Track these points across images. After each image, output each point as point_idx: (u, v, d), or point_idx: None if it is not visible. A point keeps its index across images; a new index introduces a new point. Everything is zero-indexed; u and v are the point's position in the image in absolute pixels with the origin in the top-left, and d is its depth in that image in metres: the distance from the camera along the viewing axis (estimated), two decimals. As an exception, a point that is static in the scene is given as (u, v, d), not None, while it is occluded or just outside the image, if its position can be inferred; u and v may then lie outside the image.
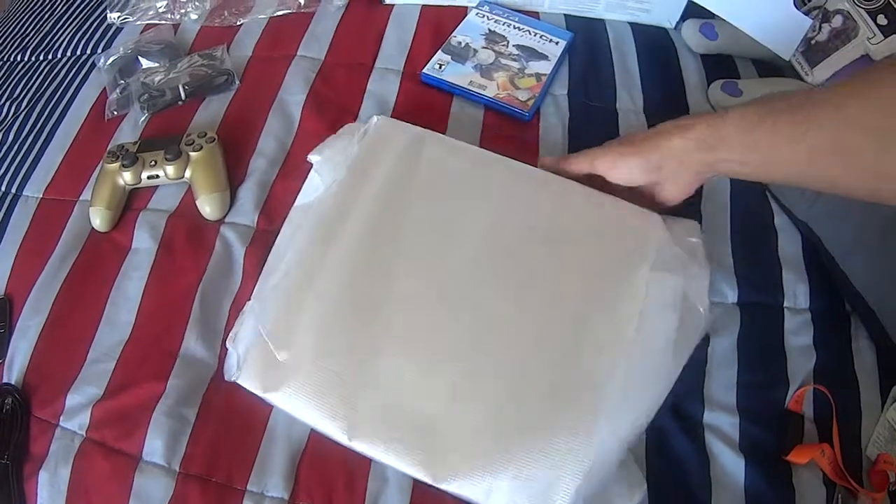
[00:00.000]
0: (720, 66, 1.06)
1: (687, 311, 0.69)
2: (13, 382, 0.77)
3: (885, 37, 0.93)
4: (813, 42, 1.00)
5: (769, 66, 1.07)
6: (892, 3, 0.94)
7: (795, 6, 0.95)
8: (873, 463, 0.72)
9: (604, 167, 0.78)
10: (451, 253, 0.73)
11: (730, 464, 0.70)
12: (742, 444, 0.71)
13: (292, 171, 0.90)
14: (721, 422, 0.72)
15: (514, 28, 1.07)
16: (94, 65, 1.08)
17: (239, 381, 0.68)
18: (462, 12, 1.10)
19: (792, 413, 0.74)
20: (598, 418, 0.63)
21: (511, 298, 0.70)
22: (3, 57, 1.20)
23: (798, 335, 0.79)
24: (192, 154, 0.87)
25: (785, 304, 0.81)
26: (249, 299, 0.73)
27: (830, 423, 0.73)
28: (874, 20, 0.94)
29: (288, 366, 0.66)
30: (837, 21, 0.98)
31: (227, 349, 0.73)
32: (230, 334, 0.71)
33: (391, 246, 0.73)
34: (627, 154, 0.76)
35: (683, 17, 1.10)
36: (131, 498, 0.68)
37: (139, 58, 1.04)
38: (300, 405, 0.65)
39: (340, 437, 0.64)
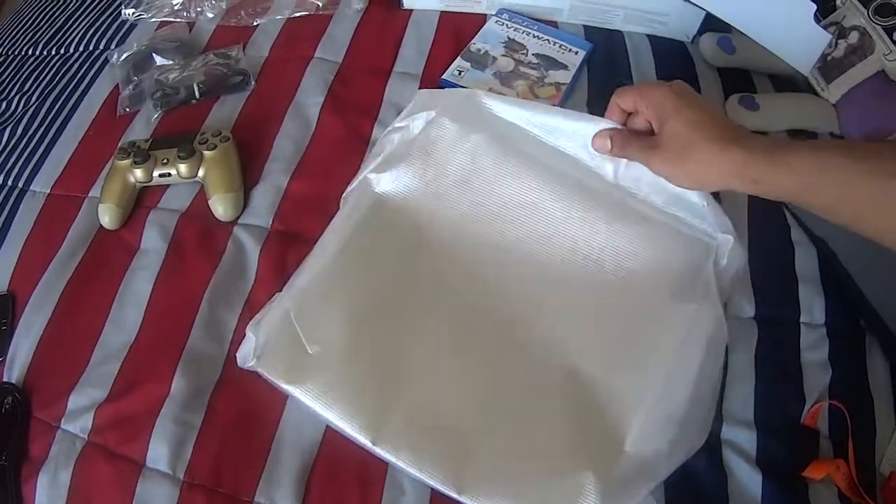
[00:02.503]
0: (737, 80, 1.05)
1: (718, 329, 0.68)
2: (14, 381, 0.75)
3: None
4: (829, 58, 1.00)
5: (785, 81, 1.06)
6: None
7: (815, 21, 0.93)
8: (887, 479, 0.71)
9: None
10: (494, 267, 0.73)
11: (747, 479, 0.69)
12: (759, 459, 0.70)
13: (309, 173, 0.88)
14: (739, 437, 0.72)
15: (534, 37, 1.06)
16: (106, 60, 1.07)
17: (258, 368, 0.66)
18: (481, 20, 1.09)
19: (808, 428, 0.73)
20: (623, 444, 0.62)
21: (550, 320, 0.70)
22: (15, 51, 1.18)
23: (814, 351, 0.78)
24: (206, 153, 0.85)
25: (801, 320, 0.80)
26: (270, 297, 0.71)
27: (845, 439, 0.72)
28: (890, 37, 0.93)
29: (316, 360, 0.65)
30: (853, 37, 0.97)
31: (235, 352, 0.71)
32: (253, 320, 0.69)
33: (433, 257, 0.73)
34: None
35: (701, 31, 1.09)
36: (134, 506, 0.66)
37: (154, 55, 1.03)
38: (325, 402, 0.63)
39: (364, 439, 0.62)
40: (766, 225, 0.87)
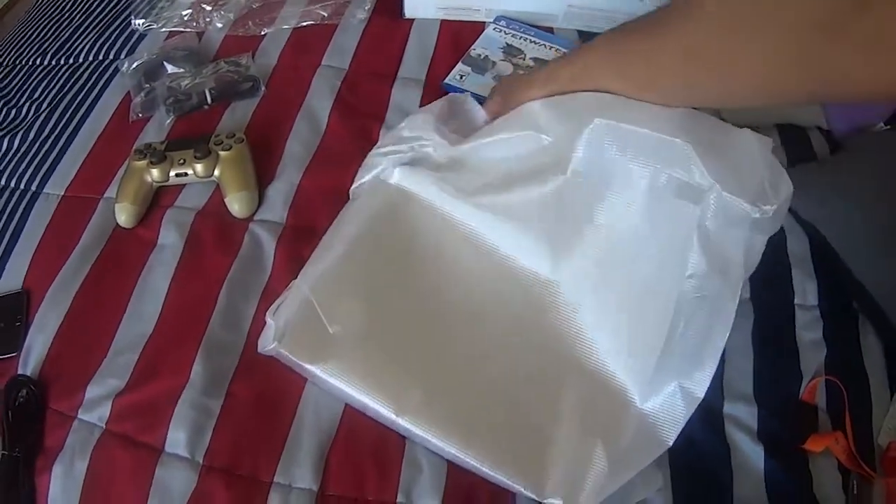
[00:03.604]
0: None
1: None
2: (28, 374, 0.77)
3: None
4: None
5: None
6: None
7: None
8: (885, 450, 0.74)
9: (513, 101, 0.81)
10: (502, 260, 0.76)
11: (749, 452, 0.72)
12: (760, 433, 0.73)
13: (321, 171, 0.92)
14: (740, 412, 0.74)
15: (531, 42, 1.11)
16: (116, 70, 1.10)
17: (281, 350, 0.68)
18: (480, 27, 1.13)
19: (806, 404, 0.76)
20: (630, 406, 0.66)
21: (562, 300, 0.73)
22: (22, 60, 1.21)
23: (808, 330, 0.81)
24: (222, 153, 0.88)
25: (795, 301, 0.83)
26: (286, 287, 0.74)
27: (843, 413, 0.75)
28: None
29: (337, 339, 0.68)
30: None
31: (253, 340, 0.74)
32: (271, 307, 0.71)
33: (446, 243, 0.77)
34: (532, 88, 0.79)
35: None
36: (152, 491, 0.67)
37: (165, 63, 1.06)
38: (348, 379, 0.66)
39: (387, 412, 0.65)
40: None
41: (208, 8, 1.14)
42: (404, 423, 0.65)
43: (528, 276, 0.75)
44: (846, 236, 0.87)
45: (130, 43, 1.15)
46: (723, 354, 0.75)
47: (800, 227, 0.89)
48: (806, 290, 0.84)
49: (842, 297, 0.84)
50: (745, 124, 1.02)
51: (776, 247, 0.87)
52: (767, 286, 0.84)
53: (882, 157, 0.95)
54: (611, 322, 0.71)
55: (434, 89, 1.02)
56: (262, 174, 0.91)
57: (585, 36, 1.14)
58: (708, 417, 0.72)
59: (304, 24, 1.12)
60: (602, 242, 0.71)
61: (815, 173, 0.96)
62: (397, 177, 0.80)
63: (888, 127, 1.01)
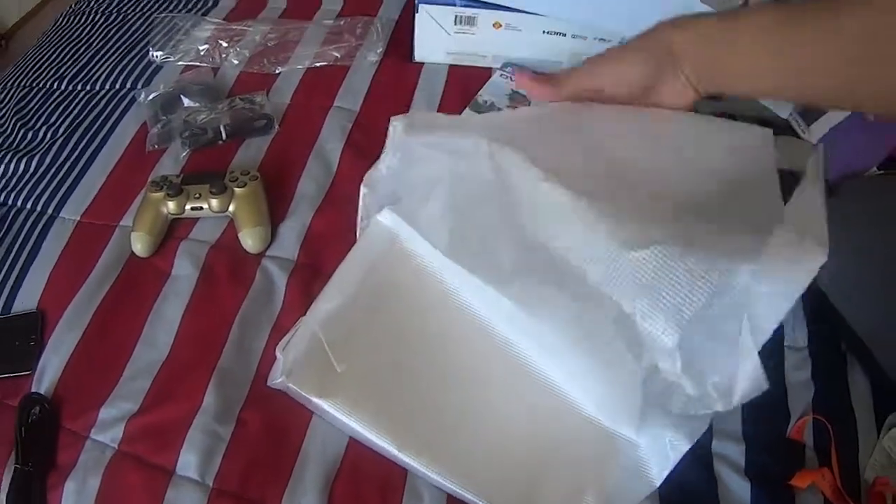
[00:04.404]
0: None
1: None
2: (42, 393, 0.80)
3: None
4: None
5: (769, 125, 1.14)
6: None
7: None
8: (871, 485, 0.76)
9: (602, 70, 0.75)
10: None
11: (736, 487, 0.74)
12: (748, 469, 0.76)
13: (332, 211, 0.96)
14: (728, 450, 0.77)
15: (536, 89, 1.16)
16: (133, 99, 1.14)
17: (290, 384, 0.72)
18: (487, 73, 1.19)
19: (794, 441, 0.79)
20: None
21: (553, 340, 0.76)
22: (40, 83, 1.24)
23: (797, 371, 0.84)
24: (237, 190, 0.92)
25: (785, 344, 0.87)
26: (296, 322, 0.78)
27: (829, 451, 0.77)
28: None
29: (344, 377, 0.72)
30: None
31: (263, 371, 0.78)
32: (280, 342, 0.75)
33: (445, 288, 0.80)
34: (626, 51, 0.73)
35: None
36: (163, 511, 0.71)
37: (181, 96, 1.10)
38: (354, 414, 0.71)
39: (389, 447, 0.69)
40: None
41: (224, 44, 1.19)
42: (405, 459, 0.69)
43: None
44: (838, 282, 0.88)
45: (147, 73, 1.20)
46: None
47: None
48: (796, 332, 0.88)
49: (830, 338, 0.87)
50: None
51: None
52: None
53: (874, 201, 0.98)
54: (591, 377, 0.74)
55: (440, 136, 1.07)
56: (274, 211, 0.95)
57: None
58: (697, 455, 0.75)
59: (318, 64, 1.17)
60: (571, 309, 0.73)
61: None
62: (386, 219, 0.83)
63: (881, 172, 1.05)
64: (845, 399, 0.83)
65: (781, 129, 1.12)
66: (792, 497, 0.74)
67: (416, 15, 1.15)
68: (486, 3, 1.14)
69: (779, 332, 0.85)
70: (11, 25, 2.86)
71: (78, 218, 0.98)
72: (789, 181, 0.74)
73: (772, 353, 0.85)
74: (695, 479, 0.75)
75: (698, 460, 0.76)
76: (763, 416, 0.81)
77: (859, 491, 0.76)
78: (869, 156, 1.07)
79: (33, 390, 0.81)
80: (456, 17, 1.15)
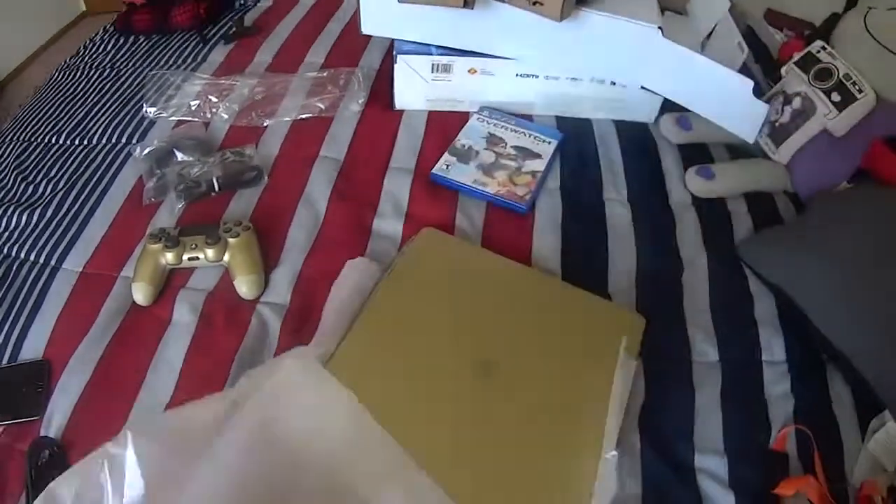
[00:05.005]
0: (696, 153, 1.22)
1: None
2: (52, 436, 0.84)
3: (840, 111, 1.08)
4: (777, 124, 1.16)
5: (740, 149, 1.22)
6: (843, 80, 1.09)
7: (755, 94, 1.09)
8: (858, 489, 0.79)
9: None
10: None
11: (722, 500, 0.78)
12: (731, 482, 0.80)
13: (321, 257, 1.01)
14: (710, 464, 0.81)
15: (511, 131, 1.23)
16: (129, 153, 1.20)
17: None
18: (465, 117, 1.26)
19: (776, 452, 0.82)
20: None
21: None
22: (38, 138, 1.30)
23: (776, 384, 0.89)
24: (231, 240, 0.98)
25: (763, 358, 0.92)
26: None
27: (814, 459, 0.81)
28: (829, 98, 1.09)
29: None
30: (797, 102, 1.13)
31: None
32: None
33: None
34: None
35: (660, 112, 1.27)
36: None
37: (174, 150, 1.16)
38: None
39: None
40: (726, 280, 1.01)
41: (214, 99, 1.25)
42: None
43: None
44: (812, 294, 0.94)
45: (142, 128, 1.26)
46: (692, 413, 0.85)
47: (766, 290, 0.98)
48: (773, 347, 0.92)
49: (809, 351, 0.92)
50: (711, 193, 1.11)
51: (743, 310, 0.97)
52: (735, 347, 0.93)
53: (844, 212, 1.03)
54: None
55: (423, 178, 1.14)
56: (267, 259, 1.00)
57: (562, 121, 1.27)
58: (679, 472, 0.80)
59: (304, 116, 1.24)
60: None
61: (780, 236, 1.05)
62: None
63: (851, 185, 1.11)
64: (827, 407, 0.87)
65: (755, 151, 1.19)
66: None
67: (395, 65, 1.22)
68: (460, 50, 1.20)
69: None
70: (5, 77, 2.92)
71: (80, 269, 1.03)
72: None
73: (750, 369, 0.91)
74: (677, 493, 0.79)
75: (681, 477, 0.80)
76: (744, 429, 0.85)
77: (847, 497, 0.79)
78: (839, 170, 1.13)
79: (42, 434, 0.84)
80: (433, 65, 1.22)
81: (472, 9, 1.11)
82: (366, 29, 1.23)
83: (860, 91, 1.08)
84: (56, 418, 0.86)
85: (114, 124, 1.28)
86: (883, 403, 0.85)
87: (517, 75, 1.24)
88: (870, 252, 0.94)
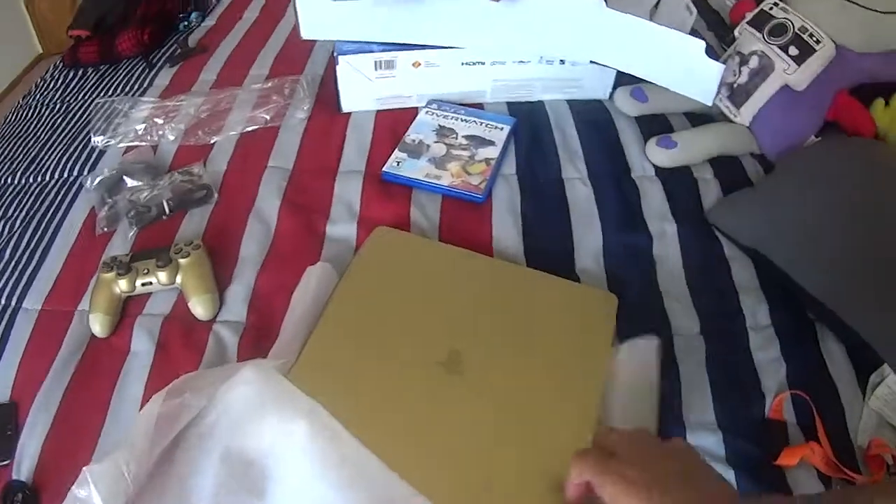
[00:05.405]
0: (655, 124, 1.20)
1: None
2: (23, 479, 0.83)
3: (799, 65, 1.07)
4: (735, 85, 1.14)
5: (700, 116, 1.20)
6: (799, 33, 1.07)
7: (707, 55, 1.07)
8: (866, 449, 0.77)
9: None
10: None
11: None
12: (729, 457, 0.77)
13: (275, 270, 1.01)
14: (705, 441, 0.79)
15: (462, 121, 1.22)
16: (81, 185, 1.19)
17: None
18: (413, 112, 1.24)
19: (774, 421, 0.80)
20: None
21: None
22: (-6, 180, 1.29)
23: (765, 350, 0.87)
24: (181, 261, 0.97)
25: (747, 325, 0.90)
26: None
27: (814, 424, 0.78)
28: (786, 52, 1.08)
29: None
30: (754, 62, 1.12)
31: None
32: None
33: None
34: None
35: (615, 87, 1.25)
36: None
37: (124, 177, 1.15)
38: None
39: None
40: (699, 249, 0.99)
41: (160, 121, 1.24)
42: None
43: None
44: (790, 252, 0.92)
45: (92, 159, 1.25)
46: (679, 389, 0.83)
47: (742, 254, 0.97)
48: (756, 313, 0.91)
49: (794, 311, 0.90)
50: (674, 163, 1.09)
51: (720, 277, 0.95)
52: (716, 317, 0.91)
53: (814, 166, 1.02)
54: None
55: (374, 178, 1.12)
56: (220, 277, 0.99)
57: (514, 107, 1.26)
58: None
59: (250, 128, 1.23)
60: None
61: (750, 197, 1.03)
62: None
63: (819, 139, 1.10)
64: (822, 368, 0.85)
65: (716, 116, 1.17)
66: (782, 477, 0.75)
67: (337, 67, 1.20)
68: (402, 44, 1.19)
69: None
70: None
71: (40, 307, 1.02)
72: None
73: (734, 337, 0.89)
74: None
75: None
76: (736, 401, 0.82)
77: (854, 459, 0.77)
78: (805, 125, 1.12)
79: (14, 478, 0.84)
80: (375, 62, 1.20)
81: None
82: (305, 34, 1.21)
83: (818, 42, 1.07)
84: (26, 460, 0.85)
85: (65, 158, 1.27)
86: (880, 357, 0.83)
87: (463, 64, 1.23)
88: (845, 202, 0.93)
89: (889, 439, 0.77)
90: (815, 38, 1.07)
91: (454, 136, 1.19)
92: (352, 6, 1.12)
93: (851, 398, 0.82)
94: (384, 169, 1.13)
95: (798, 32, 1.08)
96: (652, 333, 0.86)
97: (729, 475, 0.75)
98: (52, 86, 1.54)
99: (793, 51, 1.08)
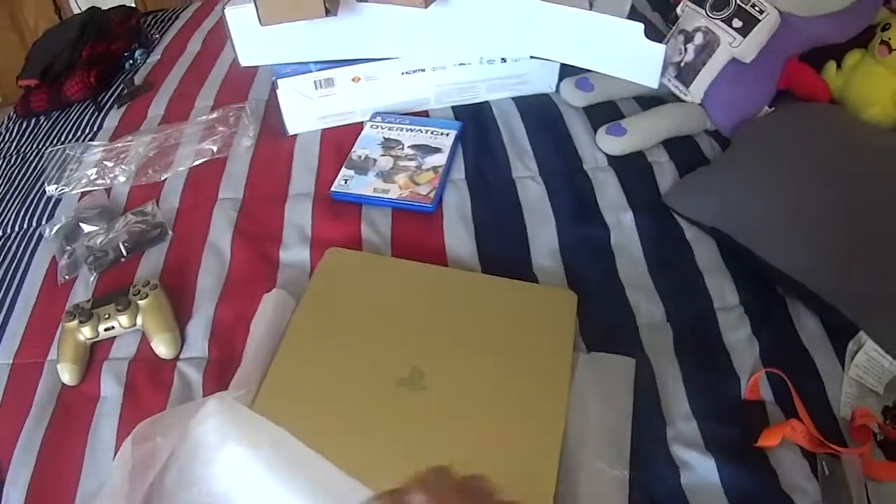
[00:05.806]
0: (605, 113, 1.20)
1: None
2: None
3: (745, 36, 1.06)
4: (682, 64, 1.14)
5: (651, 99, 1.21)
6: (741, 4, 1.07)
7: (647, 37, 1.06)
8: (850, 420, 0.76)
9: None
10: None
11: (701, 468, 0.75)
12: (708, 445, 0.77)
13: (232, 299, 1.02)
14: (682, 430, 0.78)
15: (407, 130, 1.23)
16: (41, 235, 1.20)
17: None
18: (358, 127, 1.25)
19: (751, 402, 0.78)
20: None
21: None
22: (-44, 235, 1.30)
23: (735, 330, 0.87)
24: (140, 302, 0.99)
25: (715, 306, 0.90)
26: None
27: (793, 400, 0.77)
28: (730, 25, 1.08)
29: None
30: (699, 38, 1.12)
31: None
32: None
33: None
34: None
35: (560, 79, 1.25)
36: None
37: (80, 224, 1.16)
38: None
39: None
40: (658, 235, 1.00)
41: (111, 164, 1.26)
42: None
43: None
44: (751, 227, 0.91)
45: (49, 208, 1.26)
46: (652, 380, 0.82)
47: (704, 235, 0.96)
48: (724, 293, 0.90)
49: (763, 288, 0.89)
50: (627, 149, 1.10)
51: (683, 261, 0.95)
52: (682, 301, 0.91)
53: (769, 137, 1.01)
54: None
55: (324, 199, 1.14)
56: (180, 313, 1.01)
57: (459, 111, 1.27)
58: (651, 447, 0.77)
59: (198, 162, 1.24)
60: None
61: (707, 176, 1.03)
62: None
63: (772, 108, 1.10)
64: (796, 343, 0.84)
65: (667, 97, 1.17)
66: (765, 458, 0.74)
67: (278, 90, 1.22)
68: (340, 61, 1.20)
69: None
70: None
71: (11, 360, 1.03)
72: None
73: (703, 320, 0.88)
74: (655, 473, 0.76)
75: (654, 452, 0.77)
76: (709, 385, 0.82)
77: (839, 431, 0.76)
78: (757, 96, 1.12)
79: (2, 533, 0.86)
80: (315, 82, 1.22)
81: (336, 15, 1.10)
82: (244, 61, 1.22)
83: (761, 12, 1.06)
84: (10, 513, 0.87)
85: (23, 209, 1.28)
86: (854, 324, 0.82)
87: (403, 73, 1.24)
88: (803, 170, 0.93)
89: (872, 407, 0.77)
90: (757, 8, 1.07)
91: (400, 147, 1.20)
92: (285, 29, 1.13)
93: (829, 370, 0.82)
94: (332, 189, 1.14)
95: (740, 4, 1.08)
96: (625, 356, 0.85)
97: (709, 463, 0.75)
98: (7, 137, 1.56)
99: (736, 23, 1.08)
